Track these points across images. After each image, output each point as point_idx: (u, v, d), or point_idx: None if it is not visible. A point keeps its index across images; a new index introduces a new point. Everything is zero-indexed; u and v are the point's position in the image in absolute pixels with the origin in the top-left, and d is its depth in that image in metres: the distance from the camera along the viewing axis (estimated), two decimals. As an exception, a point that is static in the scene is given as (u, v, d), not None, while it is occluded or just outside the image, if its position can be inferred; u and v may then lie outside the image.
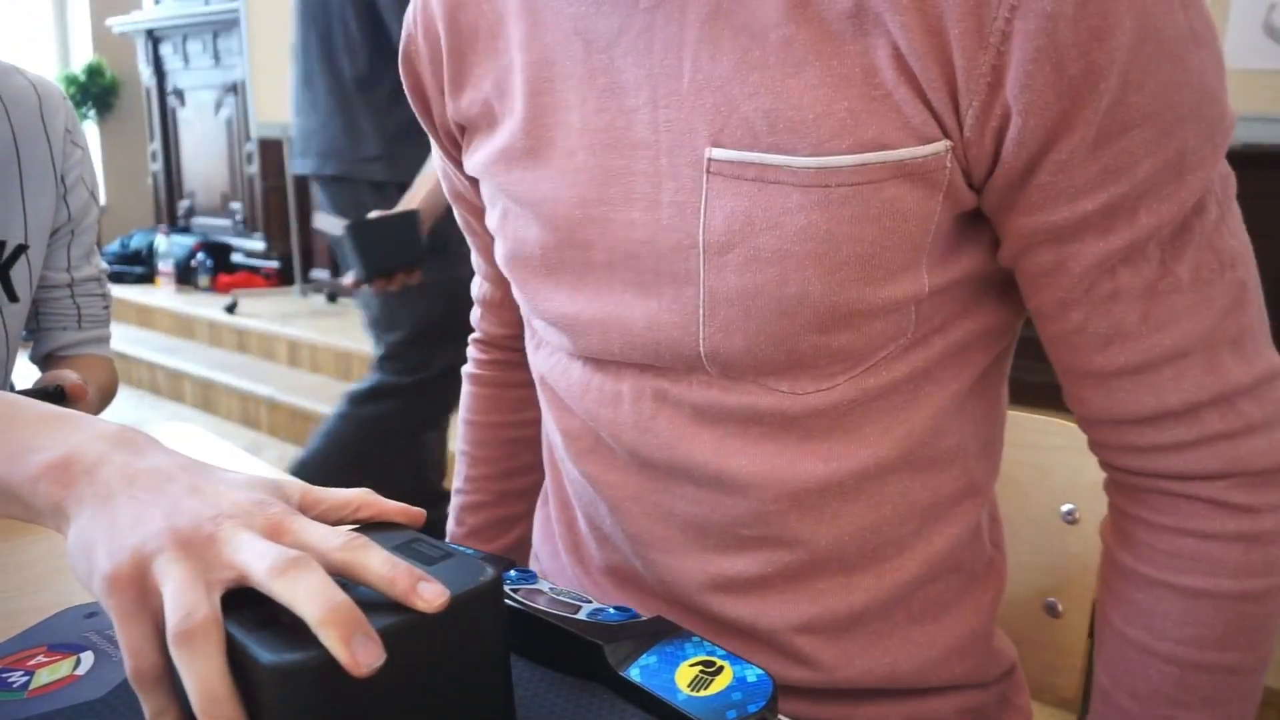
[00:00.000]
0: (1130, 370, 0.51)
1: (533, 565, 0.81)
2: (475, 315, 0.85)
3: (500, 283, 0.80)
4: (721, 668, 0.50)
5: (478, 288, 0.84)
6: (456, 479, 0.87)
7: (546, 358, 0.66)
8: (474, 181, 0.70)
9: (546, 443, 0.73)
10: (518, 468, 0.85)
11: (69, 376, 0.94)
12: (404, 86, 0.69)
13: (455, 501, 0.86)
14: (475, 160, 0.64)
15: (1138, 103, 0.45)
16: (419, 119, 0.71)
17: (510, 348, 0.84)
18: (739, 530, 0.59)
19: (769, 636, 0.60)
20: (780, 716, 0.49)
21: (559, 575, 0.74)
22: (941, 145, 0.48)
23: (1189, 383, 0.50)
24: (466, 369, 0.86)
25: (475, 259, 0.82)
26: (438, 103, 0.67)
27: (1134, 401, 0.51)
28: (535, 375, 0.69)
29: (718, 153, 0.51)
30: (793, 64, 0.49)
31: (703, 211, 0.52)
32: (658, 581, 0.63)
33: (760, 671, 0.50)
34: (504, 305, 0.81)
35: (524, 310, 0.68)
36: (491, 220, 0.65)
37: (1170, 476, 0.52)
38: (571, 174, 0.57)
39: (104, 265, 1.15)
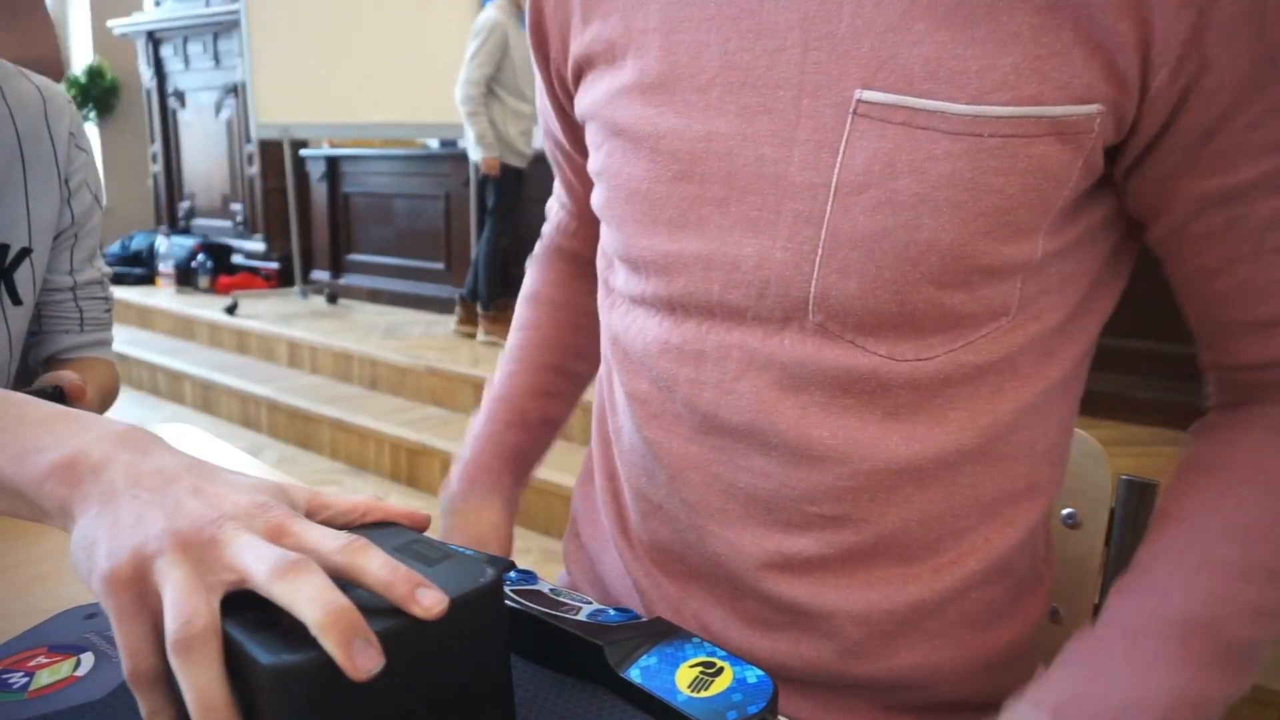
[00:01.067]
0: None
1: (568, 546, 0.80)
2: (548, 227, 0.88)
3: (579, 216, 0.83)
4: (721, 669, 0.50)
5: (554, 214, 0.86)
6: (503, 355, 0.86)
7: (622, 316, 0.66)
8: (577, 131, 0.72)
9: (599, 415, 0.73)
10: (574, 345, 0.85)
11: (67, 377, 0.94)
12: (527, 27, 0.71)
13: (497, 375, 0.86)
14: (589, 98, 0.65)
15: None
16: (534, 63, 0.73)
17: (580, 253, 0.86)
18: (805, 507, 0.59)
19: (820, 620, 0.60)
20: (780, 717, 0.49)
21: (603, 550, 0.74)
22: (1095, 108, 0.50)
23: None
24: (534, 254, 0.88)
25: (558, 189, 0.84)
26: (556, 44, 0.69)
27: None
28: (606, 337, 0.69)
29: (868, 94, 0.52)
30: (963, 17, 0.50)
31: (842, 151, 0.53)
32: (711, 555, 0.62)
33: (760, 673, 0.50)
34: (577, 235, 0.84)
35: (605, 263, 0.69)
36: (595, 163, 0.66)
37: None
38: (702, 109, 0.58)
39: (106, 268, 1.15)
